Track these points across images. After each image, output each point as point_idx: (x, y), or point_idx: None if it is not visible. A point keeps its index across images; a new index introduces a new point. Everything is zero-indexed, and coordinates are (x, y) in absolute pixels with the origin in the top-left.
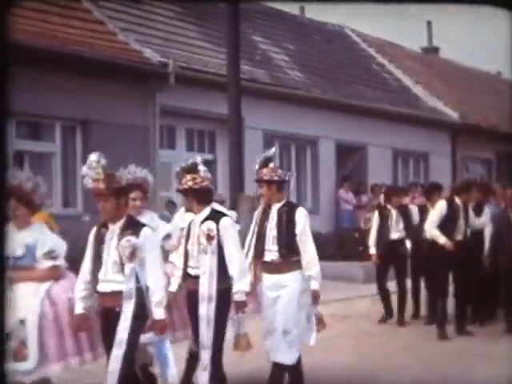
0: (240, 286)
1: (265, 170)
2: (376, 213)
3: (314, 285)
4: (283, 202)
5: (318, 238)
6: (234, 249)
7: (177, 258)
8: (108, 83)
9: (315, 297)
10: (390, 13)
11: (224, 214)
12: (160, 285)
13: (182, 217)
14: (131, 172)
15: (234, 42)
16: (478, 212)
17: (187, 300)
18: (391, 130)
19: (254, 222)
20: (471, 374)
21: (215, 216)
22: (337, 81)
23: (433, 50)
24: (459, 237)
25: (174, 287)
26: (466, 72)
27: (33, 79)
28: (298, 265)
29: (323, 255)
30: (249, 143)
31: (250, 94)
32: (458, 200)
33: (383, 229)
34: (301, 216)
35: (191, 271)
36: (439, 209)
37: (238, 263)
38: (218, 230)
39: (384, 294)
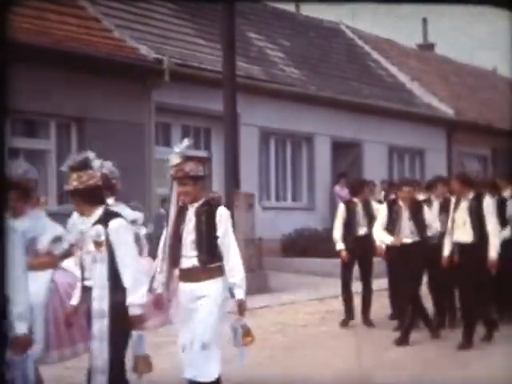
0: (133, 299)
1: (189, 165)
2: (343, 207)
3: (239, 293)
4: (202, 201)
5: (313, 235)
6: (126, 256)
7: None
8: (103, 80)
9: (241, 307)
10: (385, 10)
11: (116, 215)
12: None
13: (75, 221)
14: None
15: (230, 38)
16: (445, 208)
17: (86, 316)
18: (387, 126)
19: (166, 224)
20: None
21: (106, 218)
22: (332, 77)
23: (428, 47)
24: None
25: (74, 300)
26: (461, 68)
27: (28, 76)
28: (219, 271)
29: (319, 252)
30: (244, 140)
31: (246, 91)
32: (401, 201)
33: (350, 224)
34: (222, 216)
35: (86, 283)
36: (382, 210)
37: (131, 272)
38: (107, 234)
39: (347, 295)
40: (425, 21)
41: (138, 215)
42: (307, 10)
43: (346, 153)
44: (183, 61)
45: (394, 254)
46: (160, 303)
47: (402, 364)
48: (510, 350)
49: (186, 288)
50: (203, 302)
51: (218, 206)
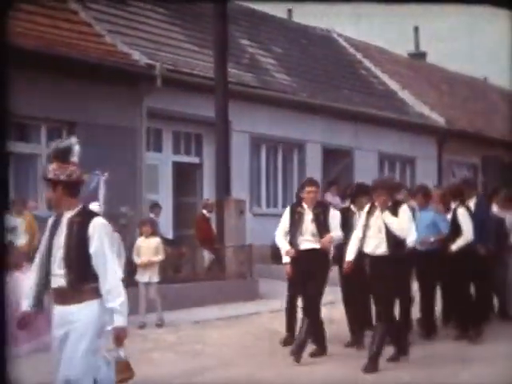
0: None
1: (52, 166)
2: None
3: (118, 320)
4: (76, 209)
5: None
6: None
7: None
8: (95, 85)
9: (118, 336)
10: (377, 17)
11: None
12: None
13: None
14: None
15: (222, 45)
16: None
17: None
18: (378, 134)
19: (44, 236)
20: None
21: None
22: (324, 85)
23: (420, 56)
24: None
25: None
26: (452, 77)
27: (19, 80)
28: (93, 294)
29: None
30: (236, 147)
31: (238, 98)
32: (304, 205)
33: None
34: (96, 229)
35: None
36: (285, 214)
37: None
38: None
39: (290, 311)
40: (416, 29)
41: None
42: (299, 17)
43: (337, 160)
44: (175, 67)
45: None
46: (25, 323)
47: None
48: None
49: (56, 311)
50: (71, 329)
51: (94, 216)
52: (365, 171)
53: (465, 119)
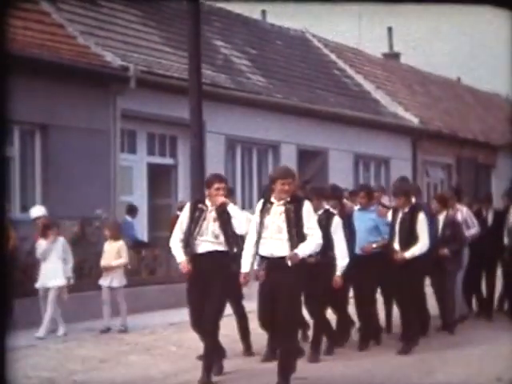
0: None
1: None
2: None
3: None
4: None
5: None
6: None
7: None
8: (68, 87)
9: None
10: (352, 18)
11: None
12: None
13: None
14: None
15: (196, 46)
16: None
17: None
18: (352, 134)
19: None
20: None
21: None
22: (298, 86)
23: (394, 56)
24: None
25: None
26: (426, 78)
27: None
28: None
29: None
30: (210, 148)
31: (212, 99)
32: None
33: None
34: None
35: None
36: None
37: None
38: None
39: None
40: (390, 30)
41: None
42: (273, 18)
43: (311, 161)
44: (149, 68)
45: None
46: None
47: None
48: None
49: None
50: None
51: None
52: (339, 172)
53: (439, 119)
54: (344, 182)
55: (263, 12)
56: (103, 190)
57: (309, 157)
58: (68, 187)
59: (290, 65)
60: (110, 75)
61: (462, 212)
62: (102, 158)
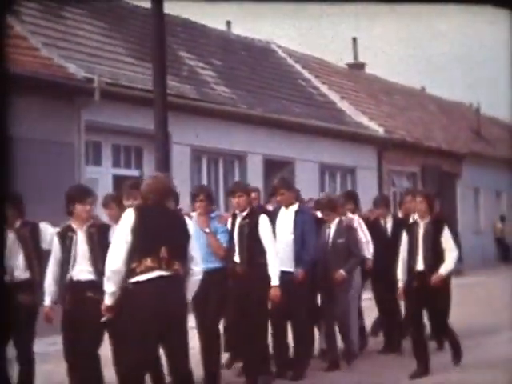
0: None
1: None
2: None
3: None
4: None
5: None
6: None
7: None
8: (31, 99)
9: None
10: (315, 29)
11: None
12: None
13: None
14: None
15: (160, 57)
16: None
17: None
18: (318, 144)
19: None
20: None
21: None
22: (263, 96)
23: (358, 66)
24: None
25: None
26: (390, 87)
27: None
28: None
29: None
30: (176, 159)
31: (177, 110)
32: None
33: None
34: None
35: None
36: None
37: None
38: None
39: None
40: (355, 40)
41: None
42: (238, 29)
43: (278, 171)
44: (114, 80)
45: None
46: None
47: None
48: None
49: None
50: None
51: None
52: (306, 182)
53: (404, 129)
54: (310, 193)
55: (228, 23)
56: None
57: (275, 167)
58: (33, 201)
59: (255, 75)
60: (74, 87)
61: (353, 222)
62: (66, 171)
